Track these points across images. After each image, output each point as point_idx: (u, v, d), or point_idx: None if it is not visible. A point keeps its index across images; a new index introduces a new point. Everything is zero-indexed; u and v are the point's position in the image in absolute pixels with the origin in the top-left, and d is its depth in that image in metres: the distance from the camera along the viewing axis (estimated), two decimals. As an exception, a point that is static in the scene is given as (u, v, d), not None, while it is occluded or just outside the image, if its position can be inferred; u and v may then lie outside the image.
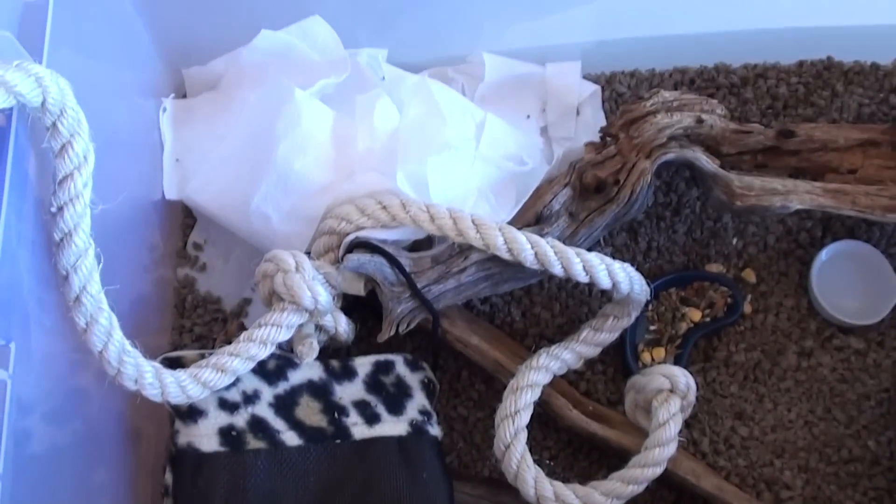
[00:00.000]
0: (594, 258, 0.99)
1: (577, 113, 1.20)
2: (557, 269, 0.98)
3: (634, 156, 1.04)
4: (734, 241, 1.15)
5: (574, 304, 1.13)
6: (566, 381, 1.08)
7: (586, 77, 1.23)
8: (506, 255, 0.98)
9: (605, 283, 0.99)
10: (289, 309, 0.97)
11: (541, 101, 1.21)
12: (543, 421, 1.08)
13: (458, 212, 0.99)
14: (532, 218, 1.04)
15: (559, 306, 1.13)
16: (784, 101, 1.20)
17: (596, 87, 1.21)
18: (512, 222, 1.04)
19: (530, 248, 0.98)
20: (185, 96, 1.23)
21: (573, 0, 1.20)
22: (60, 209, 0.83)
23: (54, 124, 0.81)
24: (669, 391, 1.00)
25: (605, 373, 1.11)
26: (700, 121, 1.07)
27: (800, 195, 1.05)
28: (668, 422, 0.99)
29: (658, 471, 0.98)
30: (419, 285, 1.00)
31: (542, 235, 1.01)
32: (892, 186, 1.07)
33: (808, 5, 1.21)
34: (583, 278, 0.99)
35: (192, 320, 1.15)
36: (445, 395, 1.11)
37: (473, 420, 1.10)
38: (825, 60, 1.22)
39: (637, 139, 1.05)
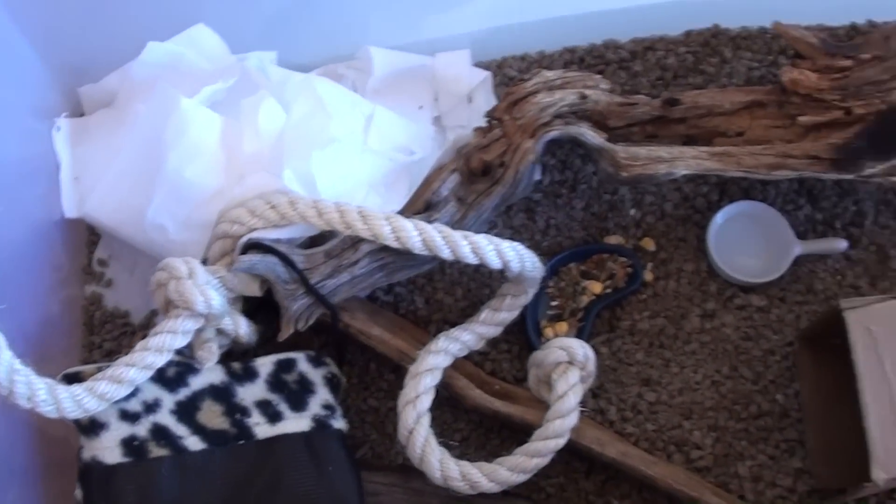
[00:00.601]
0: (482, 240, 1.00)
1: (470, 100, 1.21)
2: (446, 253, 0.99)
3: (519, 137, 1.05)
4: (632, 211, 1.17)
5: (476, 286, 1.14)
6: (471, 363, 1.09)
7: (478, 64, 1.24)
8: (394, 244, 0.99)
9: (494, 263, 1.00)
10: (183, 315, 0.98)
11: (433, 90, 1.22)
12: (453, 404, 1.09)
13: (345, 205, 1.00)
14: (422, 206, 1.05)
15: (461, 290, 1.14)
16: (674, 72, 1.22)
17: (486, 74, 1.22)
18: (403, 211, 1.05)
19: (417, 234, 0.99)
20: (83, 115, 1.23)
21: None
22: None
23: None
24: (568, 363, 1.01)
25: (509, 351, 1.12)
26: (583, 97, 1.08)
27: (686, 161, 1.06)
28: (568, 393, 1.00)
29: (560, 442, 0.99)
30: (313, 281, 1.01)
31: (430, 221, 1.02)
32: (779, 144, 1.08)
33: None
34: (472, 260, 1.00)
35: (101, 336, 1.16)
36: (355, 388, 1.12)
37: (385, 410, 1.11)
38: (712, 28, 1.24)
39: (521, 120, 1.06)
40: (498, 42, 1.24)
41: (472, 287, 1.14)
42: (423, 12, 1.24)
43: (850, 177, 1.06)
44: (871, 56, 1.08)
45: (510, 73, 1.22)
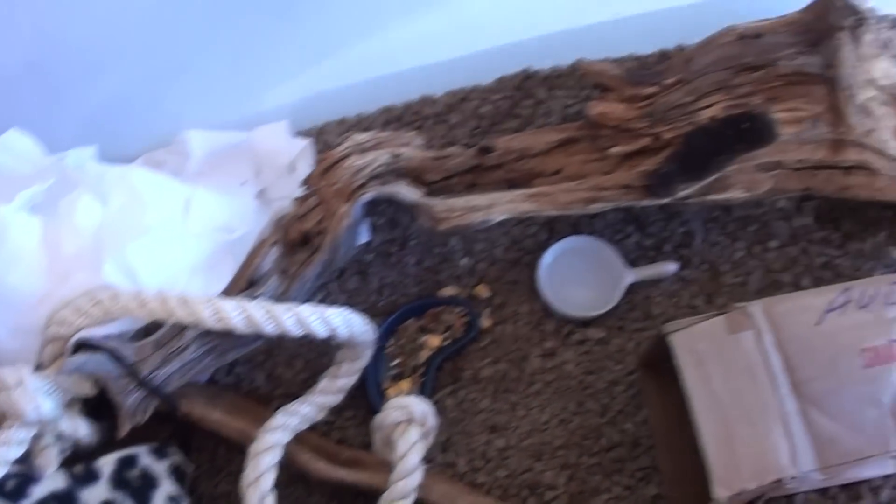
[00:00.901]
0: (306, 310, 1.00)
1: (293, 170, 1.21)
2: (270, 329, 0.99)
3: (335, 202, 1.06)
4: (463, 261, 1.18)
5: (315, 356, 1.14)
6: (318, 434, 1.09)
7: (300, 133, 1.25)
8: (217, 326, 0.99)
9: (321, 331, 1.01)
10: (15, 425, 0.96)
11: (255, 165, 1.22)
12: (306, 478, 1.08)
13: (166, 293, 1.00)
14: (245, 283, 1.05)
15: (301, 362, 1.14)
16: (490, 119, 1.23)
17: (306, 142, 1.23)
18: (227, 291, 1.05)
19: (239, 313, 0.99)
20: None
21: (275, 65, 1.22)
22: None
23: None
24: (407, 422, 1.01)
25: (355, 417, 1.12)
26: (396, 155, 1.09)
27: (502, 206, 1.07)
28: (409, 452, 1.00)
29: (407, 503, 0.99)
30: (144, 372, 1.01)
31: (254, 298, 1.01)
32: (593, 178, 1.10)
33: (496, 25, 1.25)
34: (297, 332, 1.00)
35: (-53, 456, 1.13)
36: (206, 473, 1.11)
37: (237, 494, 1.09)
38: (523, 72, 1.26)
39: (336, 185, 1.06)
40: (317, 109, 1.25)
41: (312, 357, 1.14)
42: (240, 89, 1.25)
43: (665, 201, 1.08)
44: (675, 80, 1.11)
45: (330, 139, 1.23)
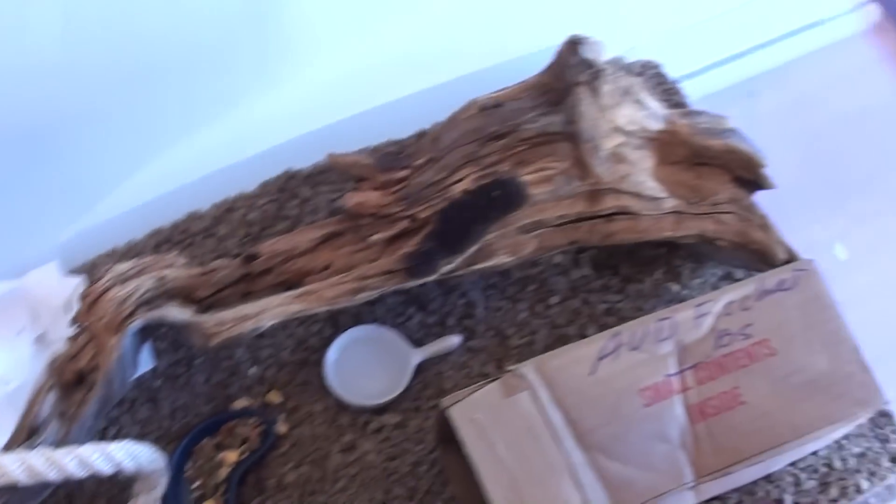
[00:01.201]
0: (87, 450, 0.99)
1: (71, 309, 1.20)
2: (53, 475, 0.98)
3: (106, 336, 1.05)
4: (252, 370, 1.18)
5: (117, 492, 1.13)
6: (126, 572, 1.07)
7: (73, 270, 1.24)
8: (-2, 484, 0.97)
9: (106, 468, 0.99)
10: None
11: (31, 311, 1.21)
12: None
13: (-59, 460, 0.98)
14: (26, 433, 1.04)
15: (103, 501, 1.12)
16: (259, 224, 1.25)
17: (78, 280, 1.22)
18: (9, 444, 1.03)
19: (18, 466, 0.97)
20: None
21: (39, 208, 1.22)
22: None
23: None
24: (206, 544, 1.01)
25: (162, 549, 1.10)
26: (161, 278, 1.09)
27: (272, 311, 1.08)
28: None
29: None
30: (-66, 545, 0.98)
31: (34, 447, 1.00)
32: (361, 267, 1.11)
33: (255, 132, 1.27)
34: (82, 473, 0.98)
35: None
36: None
37: None
38: (284, 174, 1.28)
39: (103, 319, 1.06)
40: (87, 244, 1.25)
41: (114, 493, 1.12)
42: (6, 236, 1.23)
43: (430, 279, 1.10)
44: (426, 160, 1.14)
45: (102, 273, 1.22)
